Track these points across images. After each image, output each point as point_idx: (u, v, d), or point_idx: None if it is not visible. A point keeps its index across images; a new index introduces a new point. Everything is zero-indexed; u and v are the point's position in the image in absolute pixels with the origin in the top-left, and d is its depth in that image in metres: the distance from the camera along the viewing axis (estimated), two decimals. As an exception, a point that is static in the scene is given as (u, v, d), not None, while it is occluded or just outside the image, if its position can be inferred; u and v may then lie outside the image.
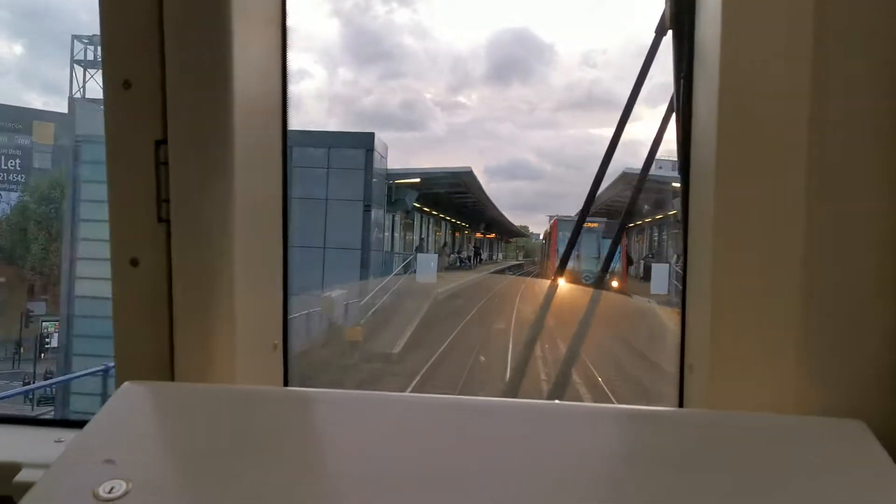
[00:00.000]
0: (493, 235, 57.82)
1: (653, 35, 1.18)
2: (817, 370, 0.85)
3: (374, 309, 16.65)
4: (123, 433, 0.87)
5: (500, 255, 64.70)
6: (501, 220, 50.32)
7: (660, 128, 1.25)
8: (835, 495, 0.73)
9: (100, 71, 1.04)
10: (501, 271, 37.99)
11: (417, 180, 22.91)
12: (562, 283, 1.64)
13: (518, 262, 54.37)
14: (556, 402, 0.95)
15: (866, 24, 0.80)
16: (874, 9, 0.79)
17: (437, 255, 27.11)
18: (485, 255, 53.43)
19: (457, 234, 45.79)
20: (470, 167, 26.50)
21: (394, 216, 24.44)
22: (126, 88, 1.00)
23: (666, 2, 1.11)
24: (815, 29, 0.80)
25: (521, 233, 65.05)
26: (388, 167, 21.56)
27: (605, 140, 1.38)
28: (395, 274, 21.08)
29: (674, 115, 1.09)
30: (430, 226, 35.71)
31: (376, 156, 19.77)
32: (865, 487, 0.74)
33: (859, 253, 0.84)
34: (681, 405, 1.07)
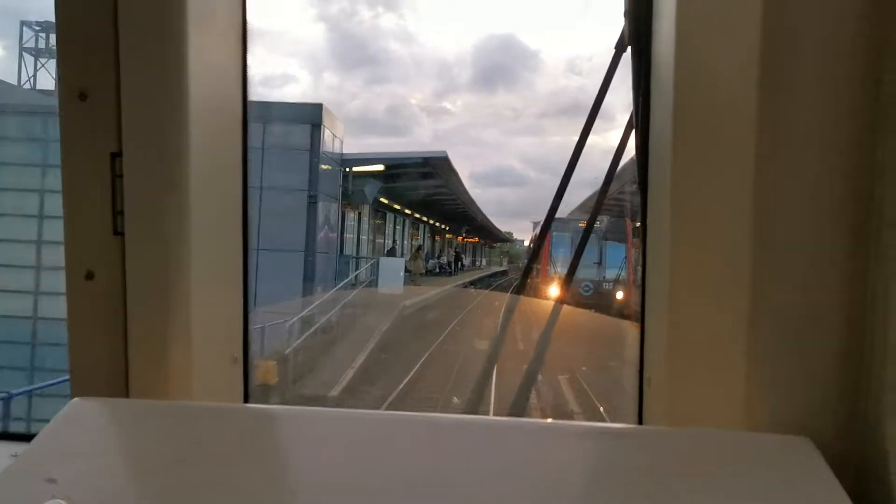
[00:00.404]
0: (475, 240, 61.97)
1: (613, 51, 1.45)
2: (768, 387, 1.03)
3: (311, 331, 14.84)
4: (69, 451, 1.03)
5: (484, 261, 68.03)
6: (485, 225, 53.20)
7: (620, 142, 1.52)
8: None
9: (52, 59, 1.26)
10: (484, 280, 40.26)
11: (380, 168, 22.35)
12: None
13: (502, 269, 57.78)
14: (521, 419, 1.17)
15: (813, 41, 0.99)
16: (820, 27, 0.98)
17: (405, 260, 27.49)
18: (467, 261, 56.04)
19: (437, 238, 47.81)
20: (445, 152, 26.37)
21: (359, 214, 24.22)
22: (82, 100, 1.21)
23: (625, 19, 1.36)
24: (763, 45, 0.99)
25: (505, 238, 71.66)
26: (346, 151, 20.56)
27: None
28: (350, 283, 20.21)
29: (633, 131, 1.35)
30: (406, 228, 37.09)
31: (326, 135, 18.80)
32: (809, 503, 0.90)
33: (808, 274, 1.00)
34: (639, 417, 1.33)
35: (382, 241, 30.72)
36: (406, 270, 25.09)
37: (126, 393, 1.24)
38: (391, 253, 28.88)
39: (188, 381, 1.26)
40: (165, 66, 1.20)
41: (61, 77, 1.23)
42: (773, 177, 1.01)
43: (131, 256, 1.24)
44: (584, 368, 12.34)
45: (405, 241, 36.18)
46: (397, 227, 34.51)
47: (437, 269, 36.24)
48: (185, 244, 1.24)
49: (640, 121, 1.30)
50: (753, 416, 1.04)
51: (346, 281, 20.25)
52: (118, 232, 1.23)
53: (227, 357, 1.39)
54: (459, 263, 44.63)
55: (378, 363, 14.02)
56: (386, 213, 30.60)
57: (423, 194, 29.97)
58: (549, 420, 1.19)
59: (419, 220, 38.45)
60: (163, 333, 1.24)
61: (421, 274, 28.44)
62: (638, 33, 1.30)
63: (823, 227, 1.01)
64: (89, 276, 1.25)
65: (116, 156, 1.22)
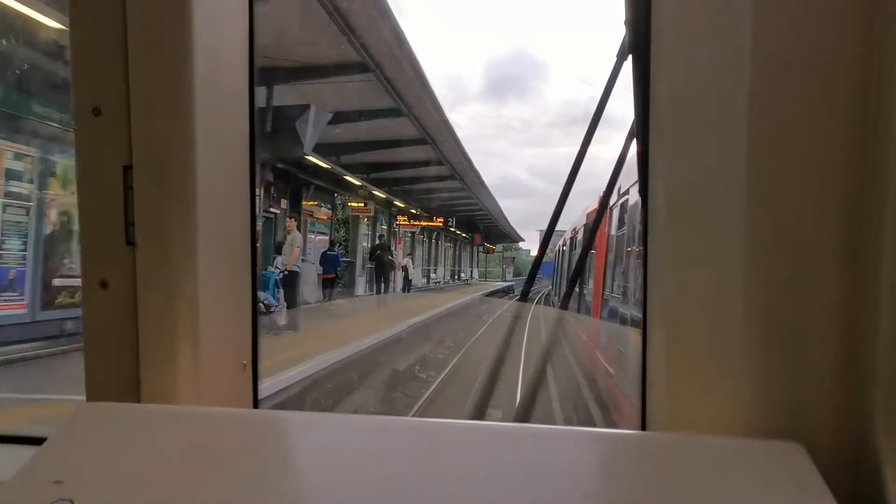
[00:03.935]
0: (457, 232, 43.28)
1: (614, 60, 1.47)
2: (764, 393, 1.03)
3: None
4: (78, 454, 1.07)
5: (473, 272, 48.22)
6: (483, 209, 38.54)
7: (622, 151, 1.54)
8: None
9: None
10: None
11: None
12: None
13: (507, 284, 42.25)
14: (525, 424, 1.17)
15: (808, 50, 1.01)
16: (814, 36, 1.00)
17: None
18: (440, 273, 41.65)
19: (414, 223, 34.23)
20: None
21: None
22: (95, 115, 1.27)
23: (625, 28, 1.38)
24: (757, 54, 1.02)
25: (511, 236, 51.93)
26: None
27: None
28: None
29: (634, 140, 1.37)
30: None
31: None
32: None
33: (803, 281, 1.02)
34: (643, 423, 1.36)
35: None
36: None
37: (138, 398, 1.29)
38: (276, 251, 17.36)
39: (198, 387, 1.30)
40: (174, 83, 1.26)
41: (76, 94, 1.29)
42: (768, 185, 1.03)
43: (142, 266, 1.29)
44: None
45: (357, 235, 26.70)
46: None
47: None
48: (193, 253, 1.29)
49: (641, 129, 1.33)
50: (750, 422, 1.05)
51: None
52: (130, 242, 1.29)
53: (236, 363, 1.43)
54: (406, 279, 29.53)
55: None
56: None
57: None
58: (555, 426, 1.20)
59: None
60: (173, 340, 1.29)
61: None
62: (638, 42, 1.33)
63: (819, 235, 1.03)
64: (103, 284, 1.30)
65: (128, 169, 1.28)
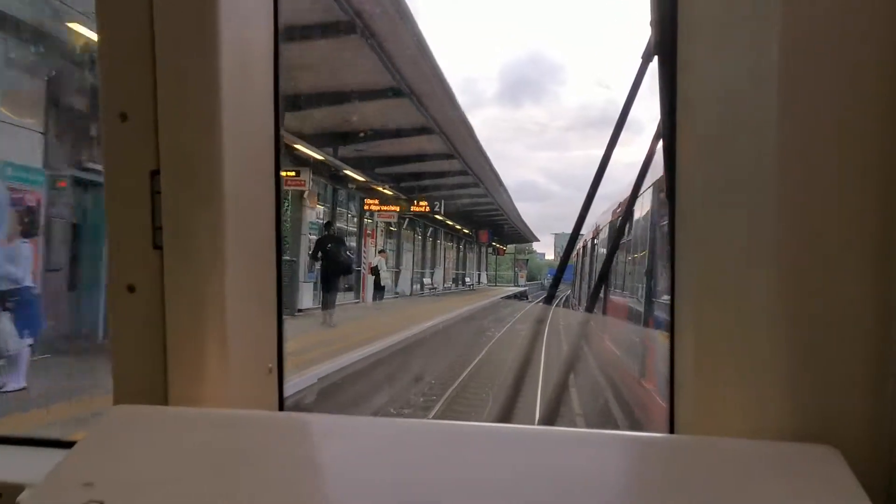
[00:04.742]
0: (457, 227, 35.55)
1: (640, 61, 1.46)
2: (793, 395, 1.02)
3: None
4: (108, 456, 1.09)
5: (481, 276, 40.79)
6: (493, 203, 30.63)
7: (648, 153, 1.53)
8: None
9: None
10: None
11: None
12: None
13: (519, 289, 36.46)
14: (549, 427, 1.19)
15: (835, 48, 0.99)
16: (837, 42, 0.99)
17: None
18: (438, 277, 32.27)
19: (386, 208, 24.62)
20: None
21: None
22: (123, 121, 1.29)
23: (651, 28, 1.37)
24: (785, 53, 1.01)
25: (525, 236, 45.50)
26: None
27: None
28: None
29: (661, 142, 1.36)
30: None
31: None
32: None
33: (833, 281, 1.01)
34: (671, 428, 1.34)
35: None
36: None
37: (165, 401, 1.30)
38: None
39: (224, 390, 1.31)
40: (200, 87, 1.27)
41: (103, 99, 1.31)
42: (796, 184, 1.02)
43: (169, 270, 1.30)
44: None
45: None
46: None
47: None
48: (220, 257, 1.30)
49: (668, 130, 1.32)
50: (780, 425, 1.04)
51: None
52: (157, 246, 1.30)
53: (262, 367, 1.44)
54: (377, 284, 22.62)
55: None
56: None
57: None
58: (580, 429, 1.19)
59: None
60: (200, 344, 1.30)
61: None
62: (664, 42, 1.31)
63: (848, 234, 1.01)
64: (131, 289, 1.31)
65: (155, 173, 1.29)
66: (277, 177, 1.45)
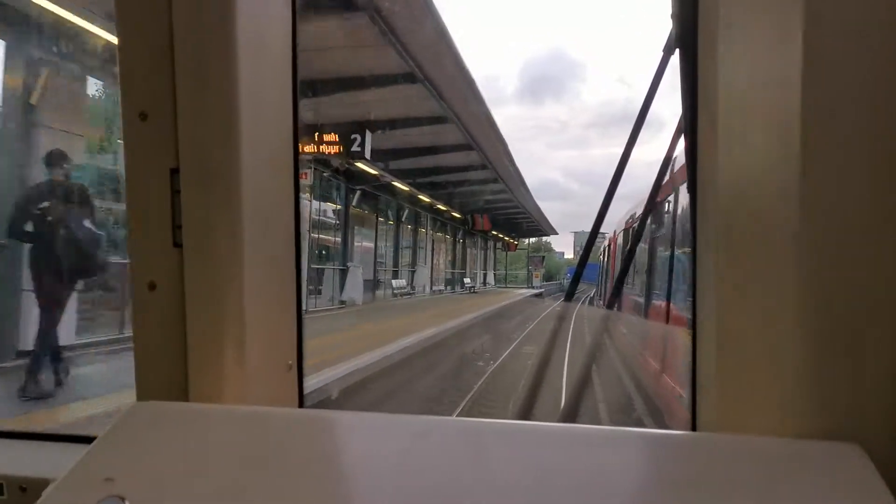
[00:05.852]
0: (449, 211, 26.99)
1: (661, 54, 1.45)
2: (816, 393, 1.02)
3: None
4: (128, 451, 1.10)
5: (487, 275, 34.11)
6: (500, 182, 23.48)
7: (669, 147, 1.52)
8: None
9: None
10: None
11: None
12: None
13: (535, 291, 30.82)
14: (571, 424, 1.17)
15: (860, 40, 0.98)
16: (861, 34, 0.98)
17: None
18: (422, 277, 25.22)
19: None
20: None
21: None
22: (143, 120, 1.30)
23: (672, 21, 1.37)
24: (809, 44, 0.99)
25: (541, 227, 39.41)
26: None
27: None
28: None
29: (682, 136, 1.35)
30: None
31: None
32: None
33: (858, 278, 1.00)
34: (693, 424, 1.33)
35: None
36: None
37: (186, 398, 1.31)
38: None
39: (244, 387, 1.32)
40: (219, 86, 1.28)
41: (123, 99, 1.32)
42: (821, 179, 1.00)
43: (189, 267, 1.31)
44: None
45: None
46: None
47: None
48: (239, 255, 1.31)
49: (690, 125, 1.30)
50: (803, 423, 1.03)
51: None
52: (177, 244, 1.31)
53: (281, 364, 1.45)
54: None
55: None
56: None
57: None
58: (603, 426, 1.19)
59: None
60: (220, 340, 1.31)
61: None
62: (685, 35, 1.31)
63: (873, 230, 1.00)
64: (152, 286, 1.33)
65: (175, 172, 1.30)
66: (296, 174, 1.46)
